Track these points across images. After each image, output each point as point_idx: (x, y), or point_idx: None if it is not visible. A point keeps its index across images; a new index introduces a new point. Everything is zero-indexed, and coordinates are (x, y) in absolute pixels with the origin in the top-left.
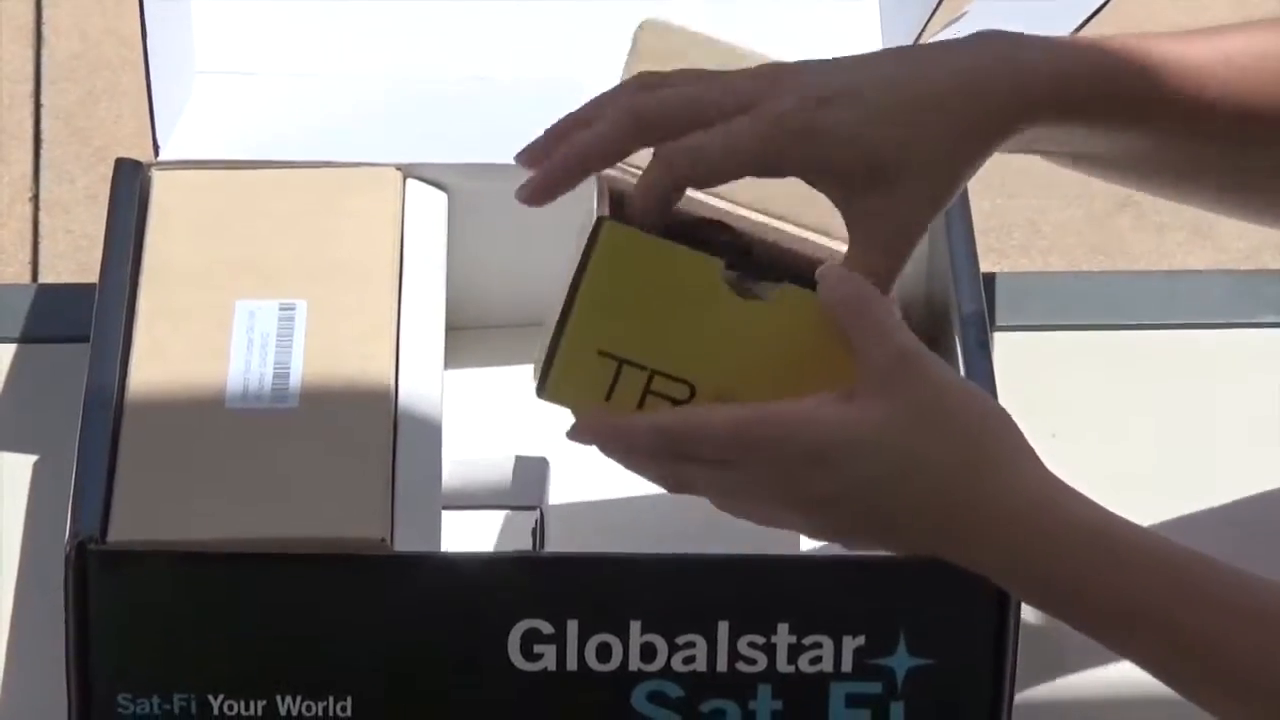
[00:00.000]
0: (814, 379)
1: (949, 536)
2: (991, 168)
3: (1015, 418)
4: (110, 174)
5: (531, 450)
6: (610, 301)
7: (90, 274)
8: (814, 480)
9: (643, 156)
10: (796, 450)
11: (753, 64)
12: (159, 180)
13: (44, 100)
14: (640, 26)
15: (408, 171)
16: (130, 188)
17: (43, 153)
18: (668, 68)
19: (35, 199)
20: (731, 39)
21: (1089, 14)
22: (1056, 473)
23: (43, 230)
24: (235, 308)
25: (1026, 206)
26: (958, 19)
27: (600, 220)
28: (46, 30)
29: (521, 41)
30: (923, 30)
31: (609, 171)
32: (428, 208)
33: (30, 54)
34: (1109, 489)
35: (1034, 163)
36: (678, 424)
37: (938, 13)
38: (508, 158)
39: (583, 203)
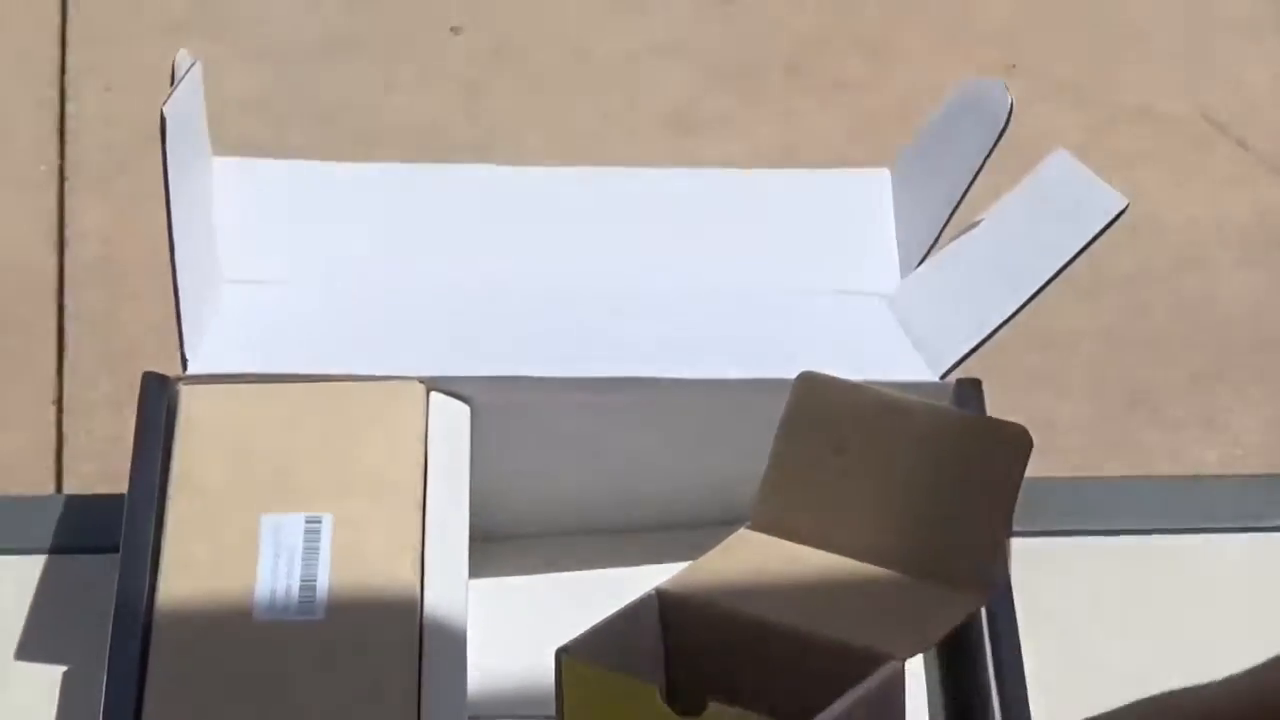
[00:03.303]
0: None
1: None
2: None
3: (1033, 623)
4: (134, 378)
5: (550, 660)
6: (589, 702)
7: (111, 477)
8: None
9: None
10: None
11: (911, 411)
12: (186, 394)
13: (67, 303)
14: (798, 379)
15: (430, 384)
16: (158, 401)
17: (66, 356)
18: (827, 429)
19: (58, 402)
20: (893, 398)
21: (1092, 236)
22: (1071, 677)
23: (65, 432)
24: (262, 521)
25: (1038, 405)
26: (974, 226)
27: (557, 654)
28: (70, 233)
29: (539, 254)
30: (949, 219)
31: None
32: (451, 420)
33: (54, 258)
34: (1126, 693)
35: (1034, 359)
36: None
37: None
38: (529, 370)
39: (602, 416)
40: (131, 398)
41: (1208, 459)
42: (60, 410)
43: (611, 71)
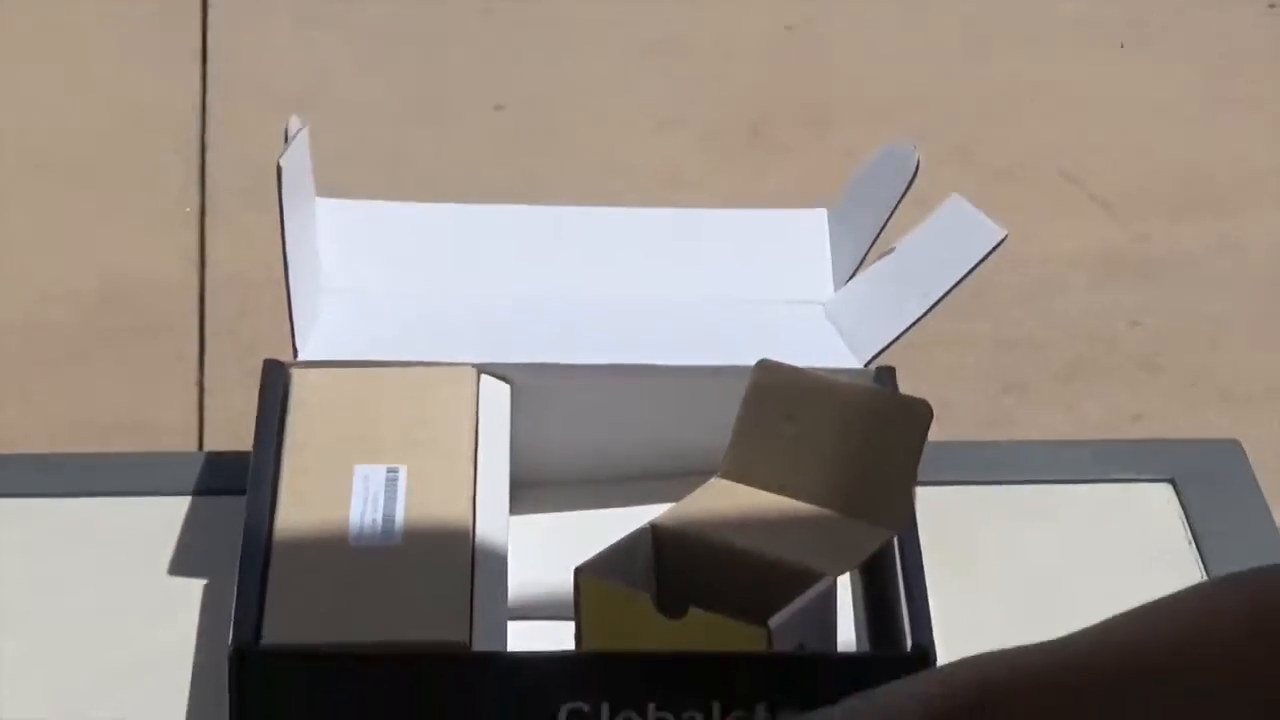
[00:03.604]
0: None
1: None
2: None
3: (932, 551)
4: (257, 365)
5: (570, 576)
6: (602, 613)
7: (241, 441)
8: None
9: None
10: None
11: (843, 389)
12: (297, 376)
13: (206, 309)
14: (756, 365)
15: (481, 369)
16: (275, 382)
17: (205, 351)
18: (779, 403)
19: (200, 385)
20: (829, 380)
21: (980, 259)
22: (961, 593)
23: (205, 408)
24: (354, 471)
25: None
26: (890, 250)
27: (576, 572)
28: (208, 258)
29: (559, 271)
30: (871, 246)
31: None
32: (496, 396)
33: (196, 276)
34: (1006, 602)
35: (939, 354)
36: None
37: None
38: (555, 359)
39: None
40: (256, 381)
41: (1064, 431)
42: (201, 392)
43: (621, 136)
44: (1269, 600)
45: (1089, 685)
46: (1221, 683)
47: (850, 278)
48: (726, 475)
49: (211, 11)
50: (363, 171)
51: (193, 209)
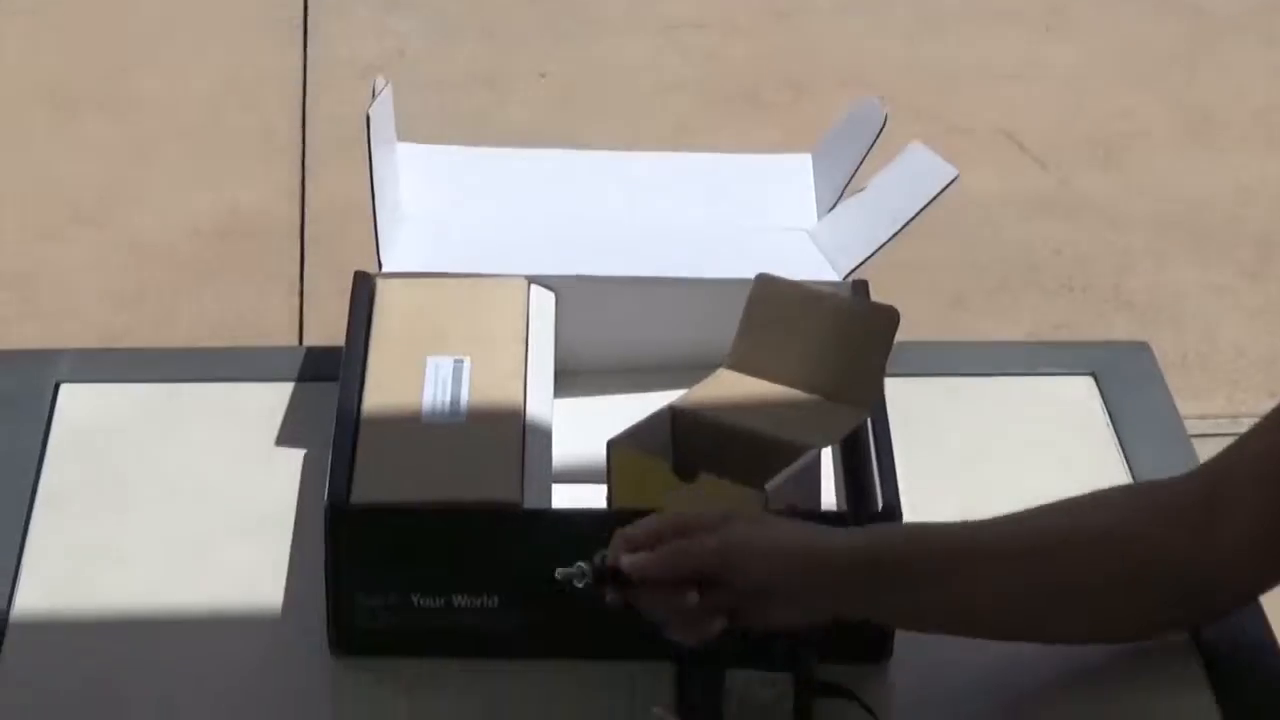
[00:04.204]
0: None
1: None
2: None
3: (898, 428)
4: (347, 281)
5: (604, 448)
6: (629, 478)
7: (335, 340)
8: None
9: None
10: None
11: (826, 297)
12: (381, 285)
13: (305, 233)
14: (756, 279)
15: (531, 280)
16: (363, 290)
17: (305, 268)
18: (774, 309)
19: (300, 295)
20: (814, 289)
21: (937, 193)
22: (921, 460)
23: (304, 312)
24: (426, 361)
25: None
26: (863, 187)
27: (608, 444)
28: (308, 191)
29: (593, 200)
30: (847, 184)
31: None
32: (543, 302)
33: (298, 207)
34: (955, 461)
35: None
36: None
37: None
38: (590, 272)
39: (635, 299)
40: (345, 293)
41: (1000, 336)
42: (301, 299)
43: (642, 97)
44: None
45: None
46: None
47: (830, 209)
48: (731, 367)
49: None
50: (433, 125)
51: (295, 156)
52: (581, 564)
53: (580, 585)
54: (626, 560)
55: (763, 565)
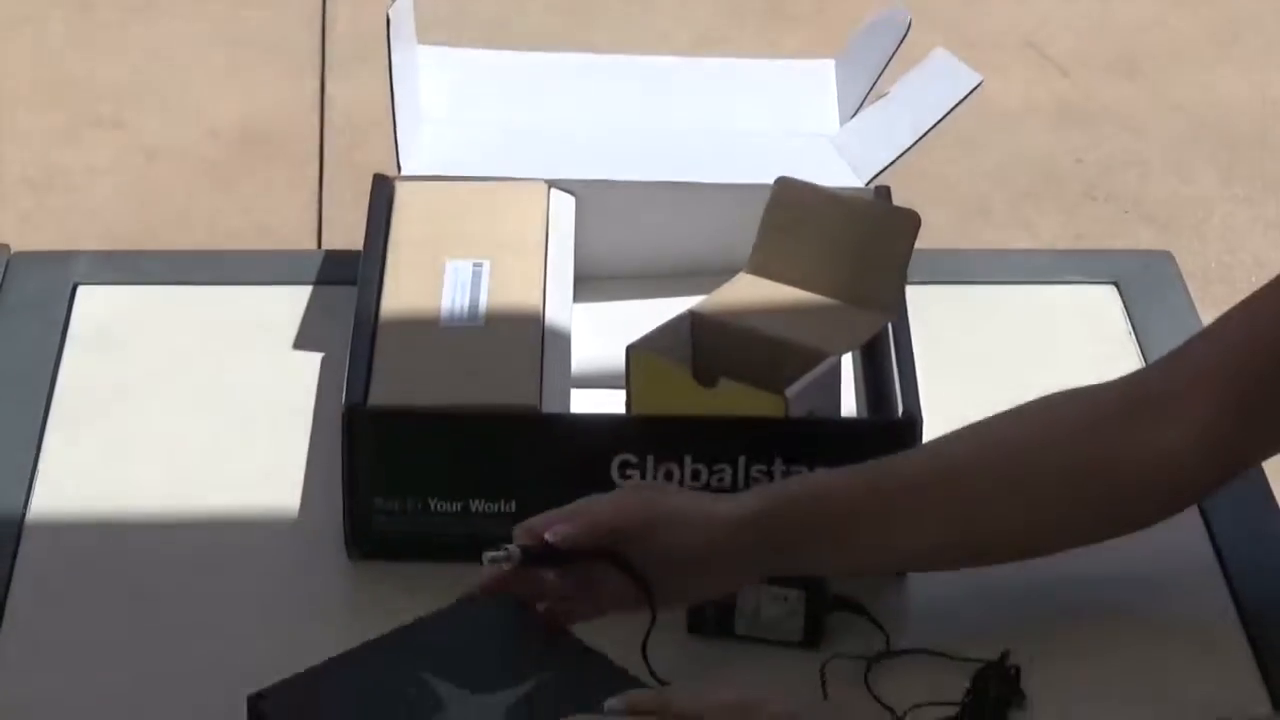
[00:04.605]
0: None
1: None
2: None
3: (917, 333)
4: (366, 187)
5: (623, 353)
6: (648, 383)
7: (354, 245)
8: None
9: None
10: None
11: (848, 201)
12: (400, 188)
13: (325, 141)
14: (776, 181)
15: (551, 184)
16: (383, 193)
17: (325, 174)
18: (795, 212)
19: (319, 200)
20: (836, 194)
21: (960, 99)
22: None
23: (324, 218)
24: (445, 265)
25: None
26: (886, 93)
27: (627, 349)
28: (327, 99)
29: (611, 104)
30: (870, 90)
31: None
32: (563, 206)
33: (317, 115)
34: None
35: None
36: None
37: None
38: (609, 176)
39: (654, 203)
40: (364, 200)
41: (1022, 244)
42: (320, 205)
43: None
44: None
45: None
46: None
47: (853, 115)
48: (752, 271)
49: None
50: (453, 30)
51: (315, 62)
52: (508, 546)
53: (507, 568)
54: (553, 531)
55: (669, 535)
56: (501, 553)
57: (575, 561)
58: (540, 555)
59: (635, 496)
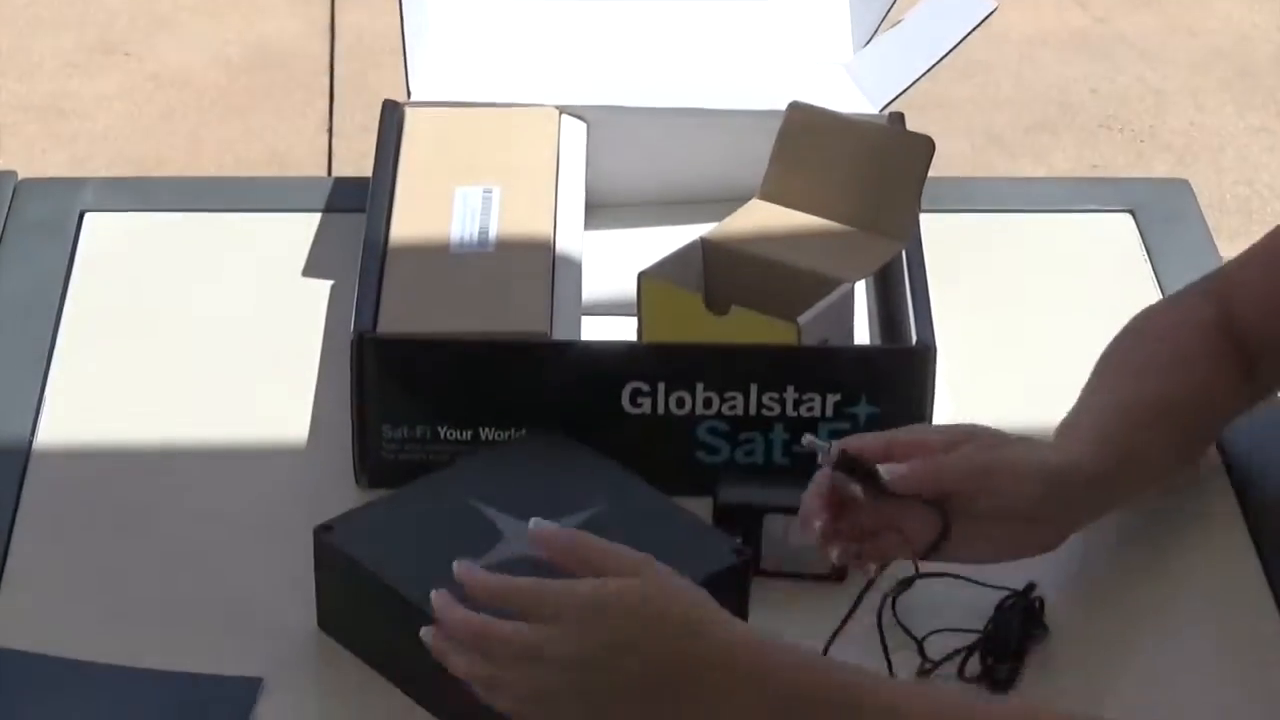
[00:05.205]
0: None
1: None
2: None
3: (931, 261)
4: (375, 115)
5: (634, 280)
6: (660, 310)
7: (364, 173)
8: None
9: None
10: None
11: (861, 126)
12: (410, 114)
13: (335, 68)
14: (789, 106)
15: (562, 110)
16: (392, 118)
17: (335, 102)
18: (807, 137)
19: (329, 129)
20: (850, 119)
21: (973, 27)
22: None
23: (334, 146)
24: (455, 191)
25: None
26: (900, 20)
27: (639, 276)
28: (337, 28)
29: (623, 37)
30: (884, 18)
31: None
32: (574, 132)
33: (327, 43)
34: (989, 290)
35: (937, 112)
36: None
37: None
38: (619, 103)
39: (663, 129)
40: (374, 128)
41: (1037, 173)
42: (330, 133)
43: None
44: None
45: None
46: None
47: (867, 42)
48: (764, 197)
49: None
50: None
51: None
52: (833, 440)
53: (820, 462)
54: (887, 468)
55: (1012, 486)
56: (825, 443)
57: (888, 495)
58: (855, 467)
59: (973, 460)
